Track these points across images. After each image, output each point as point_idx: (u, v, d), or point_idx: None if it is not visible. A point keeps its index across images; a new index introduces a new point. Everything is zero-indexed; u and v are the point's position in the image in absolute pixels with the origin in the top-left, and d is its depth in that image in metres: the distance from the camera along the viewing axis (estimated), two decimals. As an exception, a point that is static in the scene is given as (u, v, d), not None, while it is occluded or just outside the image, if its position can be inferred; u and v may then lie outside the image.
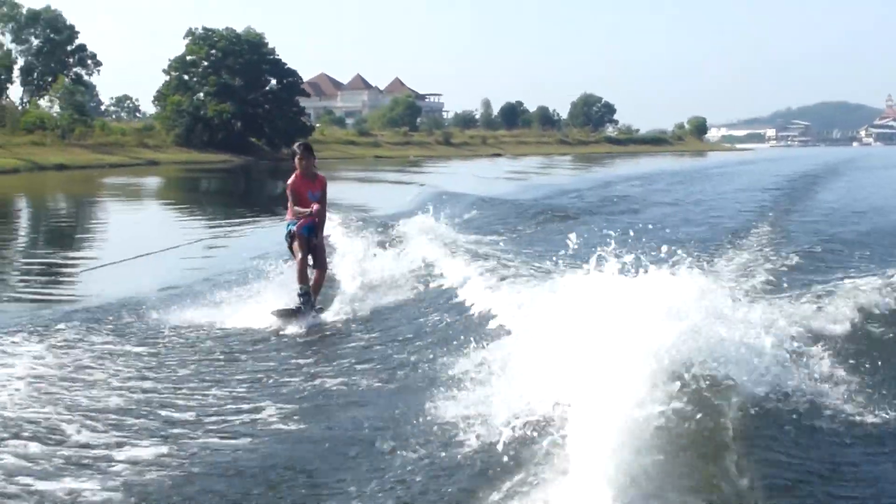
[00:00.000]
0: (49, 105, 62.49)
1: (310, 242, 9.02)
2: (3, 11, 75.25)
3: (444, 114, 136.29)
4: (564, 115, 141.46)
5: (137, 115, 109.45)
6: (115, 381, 6.58)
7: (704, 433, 3.94)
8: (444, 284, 9.75)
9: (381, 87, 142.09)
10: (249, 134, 73.65)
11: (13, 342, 7.58)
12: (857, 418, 4.71)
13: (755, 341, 4.63)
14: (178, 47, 79.52)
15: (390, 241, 13.10)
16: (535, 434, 4.29)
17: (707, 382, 4.12)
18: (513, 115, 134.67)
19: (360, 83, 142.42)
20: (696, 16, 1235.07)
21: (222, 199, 34.02)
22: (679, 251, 5.22)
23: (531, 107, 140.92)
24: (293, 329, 8.58)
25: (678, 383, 3.96)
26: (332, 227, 14.29)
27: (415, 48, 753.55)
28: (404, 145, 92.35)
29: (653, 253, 5.03)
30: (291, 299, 9.00)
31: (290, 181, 9.21)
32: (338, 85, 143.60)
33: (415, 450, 4.67)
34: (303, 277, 8.92)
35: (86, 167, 51.65)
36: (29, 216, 26.45)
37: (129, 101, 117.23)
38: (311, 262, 9.11)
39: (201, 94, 72.35)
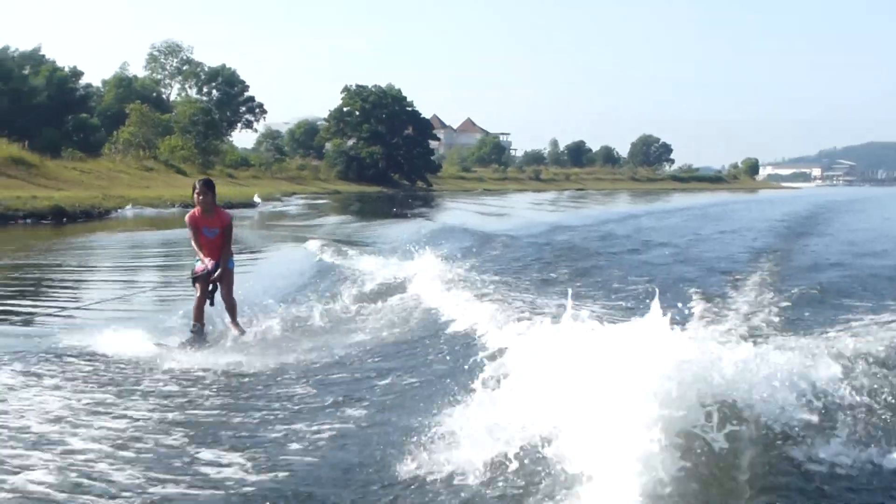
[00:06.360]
0: (256, 146, 79.99)
1: (209, 277, 9.27)
2: (188, 69, 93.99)
3: (513, 152, 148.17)
4: (624, 153, 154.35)
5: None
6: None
7: (714, 459, 4.05)
8: (441, 318, 9.65)
9: (455, 127, 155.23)
10: (390, 170, 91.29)
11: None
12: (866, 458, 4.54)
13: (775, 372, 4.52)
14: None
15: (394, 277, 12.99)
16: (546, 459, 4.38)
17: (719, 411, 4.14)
18: (578, 153, 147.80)
19: (437, 123, 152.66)
20: (747, 61, 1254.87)
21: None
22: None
23: (593, 146, 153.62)
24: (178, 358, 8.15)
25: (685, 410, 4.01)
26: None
27: (484, 90, 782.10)
28: (503, 180, 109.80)
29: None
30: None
31: (188, 215, 9.40)
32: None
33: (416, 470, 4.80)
34: (197, 315, 9.20)
35: (297, 194, 68.54)
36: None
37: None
38: (220, 294, 9.37)
39: (355, 139, 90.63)
